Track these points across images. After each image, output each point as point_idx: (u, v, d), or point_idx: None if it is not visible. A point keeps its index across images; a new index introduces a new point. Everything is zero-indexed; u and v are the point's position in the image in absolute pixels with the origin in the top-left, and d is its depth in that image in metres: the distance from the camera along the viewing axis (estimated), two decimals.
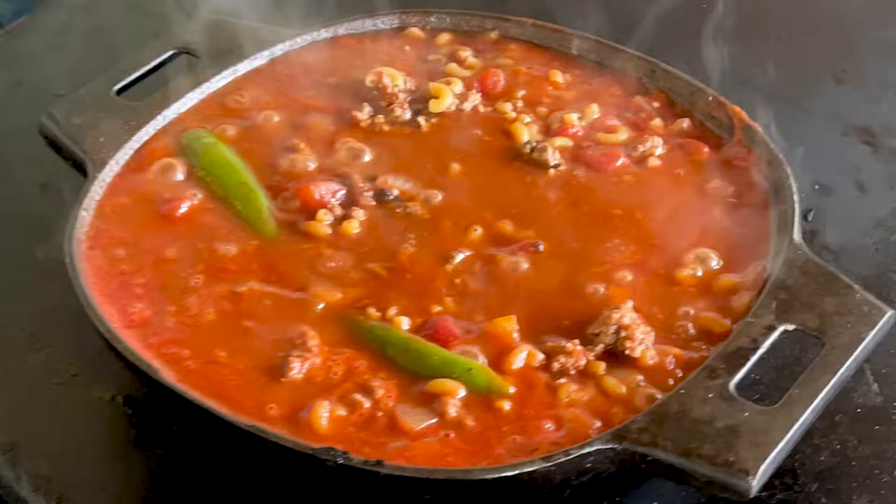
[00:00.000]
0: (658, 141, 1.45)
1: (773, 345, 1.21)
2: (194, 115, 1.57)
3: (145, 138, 1.52)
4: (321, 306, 1.34)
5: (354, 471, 1.15)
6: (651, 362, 1.24)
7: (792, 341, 1.23)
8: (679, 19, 1.68)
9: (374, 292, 1.35)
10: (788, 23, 1.84)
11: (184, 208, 1.45)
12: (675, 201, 1.40)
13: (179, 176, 1.49)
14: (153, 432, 1.28)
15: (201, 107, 1.58)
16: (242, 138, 1.54)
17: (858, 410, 1.28)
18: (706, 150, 1.45)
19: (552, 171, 1.48)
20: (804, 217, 1.51)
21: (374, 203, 1.45)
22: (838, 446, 1.25)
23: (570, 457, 1.11)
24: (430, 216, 1.44)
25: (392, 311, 1.32)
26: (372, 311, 1.32)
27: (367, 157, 1.51)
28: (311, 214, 1.43)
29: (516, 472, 1.10)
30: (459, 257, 1.38)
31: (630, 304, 1.30)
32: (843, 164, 1.57)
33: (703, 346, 1.24)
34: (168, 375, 1.25)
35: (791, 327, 1.20)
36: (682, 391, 1.15)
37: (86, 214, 1.42)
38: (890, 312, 1.25)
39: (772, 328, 1.20)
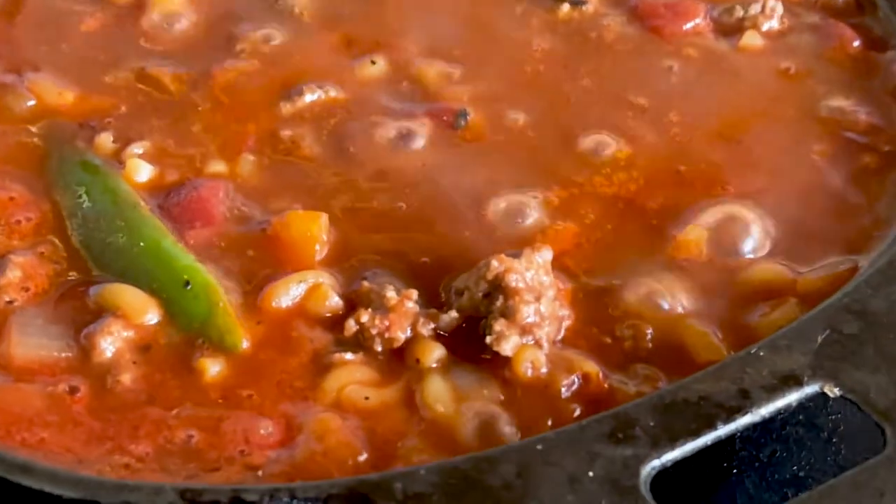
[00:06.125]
0: (778, 7, 0.94)
1: (808, 412, 0.68)
2: None
3: None
4: (31, 104, 0.84)
5: None
6: (528, 373, 0.69)
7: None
8: None
9: (132, 112, 0.85)
10: None
11: None
12: (753, 109, 0.87)
13: None
14: None
15: None
16: None
17: None
18: (857, 43, 0.93)
19: (566, 6, 0.94)
20: None
21: None
22: None
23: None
24: (313, 21, 0.94)
25: (136, 148, 0.84)
26: (105, 139, 0.84)
27: None
28: None
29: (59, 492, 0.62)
30: (310, 97, 0.88)
31: (546, 252, 0.69)
32: None
33: (660, 376, 0.69)
34: None
35: (835, 392, 0.66)
36: (540, 446, 0.62)
37: None
38: None
39: (795, 382, 0.65)
